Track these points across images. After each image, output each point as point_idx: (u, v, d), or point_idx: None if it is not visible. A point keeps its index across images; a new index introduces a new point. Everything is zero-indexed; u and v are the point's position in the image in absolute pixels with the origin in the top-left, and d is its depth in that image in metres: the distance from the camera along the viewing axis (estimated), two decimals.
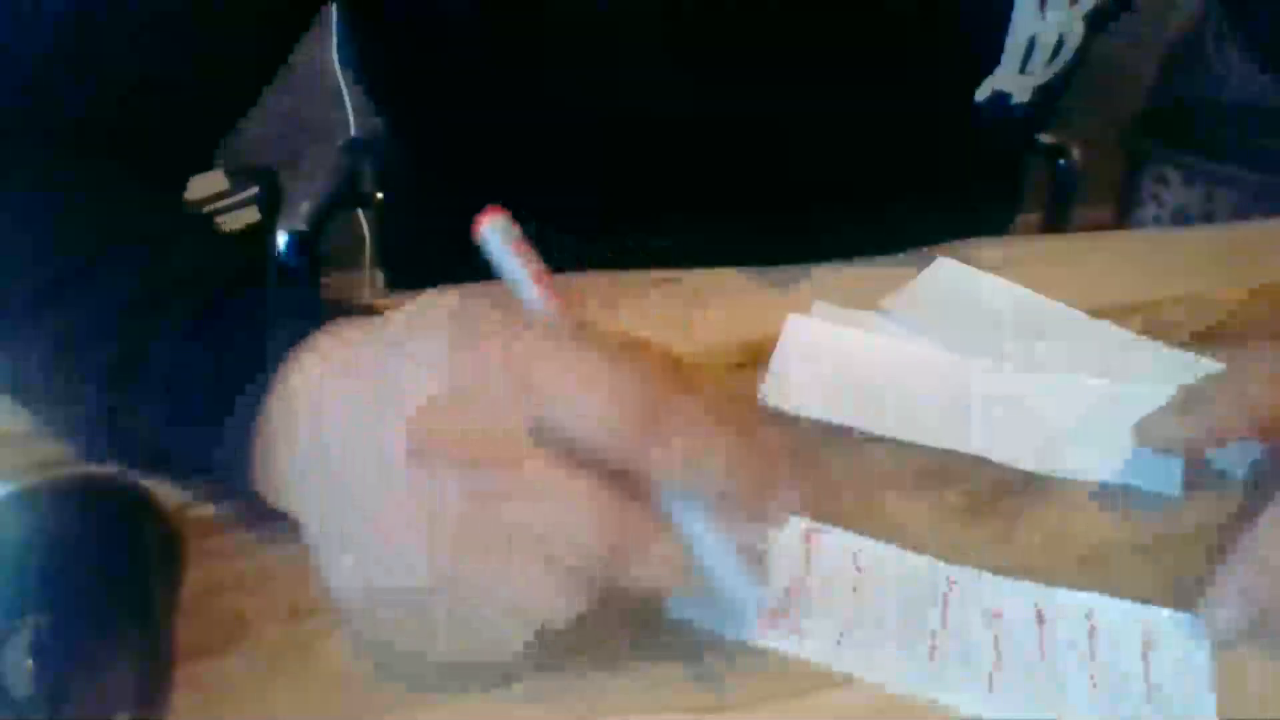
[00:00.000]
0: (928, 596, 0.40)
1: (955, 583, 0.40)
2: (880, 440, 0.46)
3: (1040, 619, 0.39)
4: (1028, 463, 0.46)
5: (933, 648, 0.38)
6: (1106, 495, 0.45)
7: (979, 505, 0.44)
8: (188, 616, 0.38)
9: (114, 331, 0.40)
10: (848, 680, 0.37)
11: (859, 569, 0.41)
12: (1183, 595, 0.40)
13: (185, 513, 0.42)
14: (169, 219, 0.46)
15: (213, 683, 0.36)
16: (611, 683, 0.37)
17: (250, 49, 0.52)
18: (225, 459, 0.38)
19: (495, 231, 0.34)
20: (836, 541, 0.42)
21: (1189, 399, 0.43)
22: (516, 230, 0.35)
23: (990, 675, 0.37)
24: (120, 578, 0.37)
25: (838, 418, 0.47)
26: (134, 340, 0.40)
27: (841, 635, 0.39)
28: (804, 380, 0.49)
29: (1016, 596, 0.40)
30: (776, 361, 0.50)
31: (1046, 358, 0.51)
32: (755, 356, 0.50)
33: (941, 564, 0.41)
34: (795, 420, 0.47)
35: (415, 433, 0.31)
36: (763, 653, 0.38)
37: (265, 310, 0.40)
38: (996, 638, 0.39)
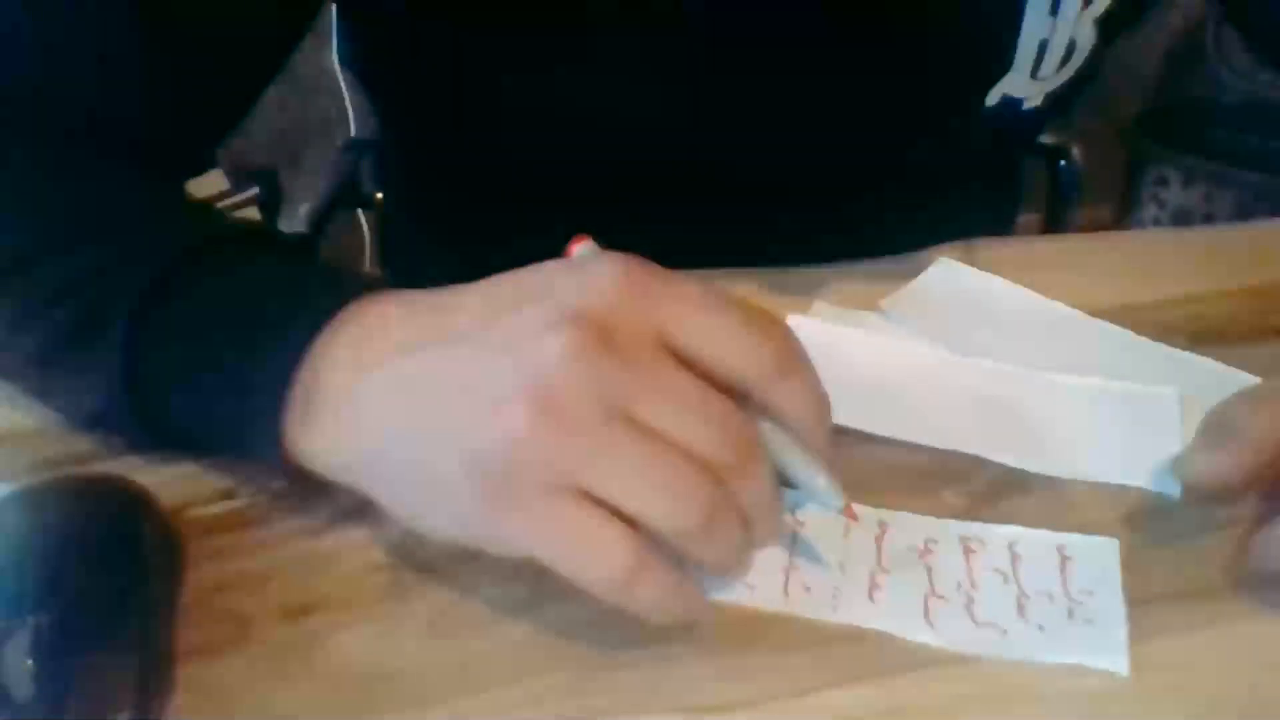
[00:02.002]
0: (863, 539, 0.42)
1: (887, 525, 0.43)
2: (880, 440, 0.46)
3: (967, 552, 0.42)
4: (1027, 463, 0.46)
5: (872, 585, 0.40)
6: (1106, 496, 0.45)
7: (979, 505, 0.44)
8: (188, 616, 0.38)
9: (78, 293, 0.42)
10: (849, 680, 0.37)
11: (799, 520, 0.43)
12: (1183, 595, 0.40)
13: (185, 513, 0.42)
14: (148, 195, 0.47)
15: (213, 683, 0.36)
16: (612, 683, 0.37)
17: (250, 49, 0.52)
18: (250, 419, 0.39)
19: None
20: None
21: (1226, 432, 0.42)
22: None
23: (926, 604, 0.40)
24: (120, 578, 0.37)
25: (838, 418, 0.47)
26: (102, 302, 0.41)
27: (788, 578, 0.40)
28: None
29: (944, 533, 0.42)
30: None
31: (1046, 358, 0.51)
32: None
33: (872, 509, 0.43)
34: None
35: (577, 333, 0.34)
36: (763, 652, 0.38)
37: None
38: (929, 571, 0.41)
